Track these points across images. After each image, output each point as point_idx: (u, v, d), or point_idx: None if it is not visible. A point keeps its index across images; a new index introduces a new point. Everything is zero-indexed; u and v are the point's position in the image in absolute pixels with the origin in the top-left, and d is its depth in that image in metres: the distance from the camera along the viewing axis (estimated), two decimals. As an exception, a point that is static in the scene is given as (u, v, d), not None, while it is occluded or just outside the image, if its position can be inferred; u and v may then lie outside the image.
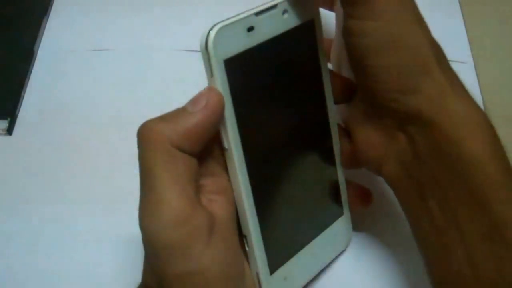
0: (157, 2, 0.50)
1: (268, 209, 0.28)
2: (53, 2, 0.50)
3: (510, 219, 0.25)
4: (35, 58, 0.46)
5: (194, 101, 0.25)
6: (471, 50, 0.46)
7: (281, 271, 0.30)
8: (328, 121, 0.31)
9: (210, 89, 0.25)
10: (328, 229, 0.32)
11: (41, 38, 0.48)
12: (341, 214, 0.33)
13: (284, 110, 0.29)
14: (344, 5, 0.27)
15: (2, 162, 0.41)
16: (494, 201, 0.25)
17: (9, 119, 0.43)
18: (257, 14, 0.26)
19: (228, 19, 0.25)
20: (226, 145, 0.26)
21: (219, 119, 0.25)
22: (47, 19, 0.49)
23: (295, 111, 0.29)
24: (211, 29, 0.24)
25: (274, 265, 0.29)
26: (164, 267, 0.24)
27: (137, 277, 0.28)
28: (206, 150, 0.26)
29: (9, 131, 0.42)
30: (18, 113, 0.43)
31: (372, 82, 0.27)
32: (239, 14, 0.25)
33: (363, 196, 0.34)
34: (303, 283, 0.32)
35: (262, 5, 0.26)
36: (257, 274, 0.28)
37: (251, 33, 0.26)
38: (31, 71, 0.46)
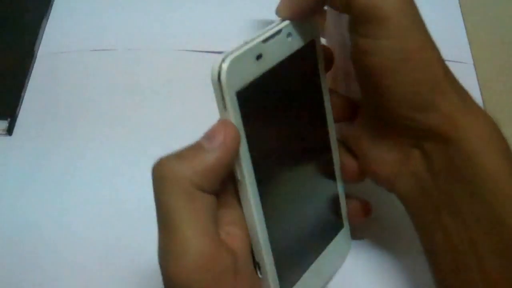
0: (157, 2, 0.50)
1: (280, 235, 0.28)
2: (53, 2, 0.50)
3: None
4: (35, 58, 0.46)
5: (210, 136, 0.24)
6: (471, 50, 0.46)
7: None
8: (329, 139, 0.31)
9: (225, 124, 0.24)
10: (331, 243, 0.32)
11: (41, 38, 0.48)
12: (341, 226, 0.33)
13: (291, 134, 0.28)
14: (356, 25, 0.26)
15: (2, 162, 0.41)
16: (509, 217, 0.25)
17: (9, 119, 0.43)
18: (264, 41, 0.25)
19: (237, 49, 0.24)
20: (239, 177, 0.25)
21: (236, 154, 0.24)
22: (47, 19, 0.49)
23: (301, 133, 0.29)
24: (223, 61, 0.23)
25: (285, 286, 0.29)
26: None
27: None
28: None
29: (9, 131, 0.42)
30: (18, 113, 0.43)
31: (386, 101, 0.27)
32: (246, 42, 0.25)
33: (363, 209, 0.34)
34: None
35: (267, 30, 0.26)
36: None
37: (259, 61, 0.25)
38: (31, 71, 0.46)
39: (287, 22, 0.27)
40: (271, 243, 0.27)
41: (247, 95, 0.24)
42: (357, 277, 0.35)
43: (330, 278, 0.34)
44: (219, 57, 0.23)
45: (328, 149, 0.31)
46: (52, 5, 0.50)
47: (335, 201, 0.33)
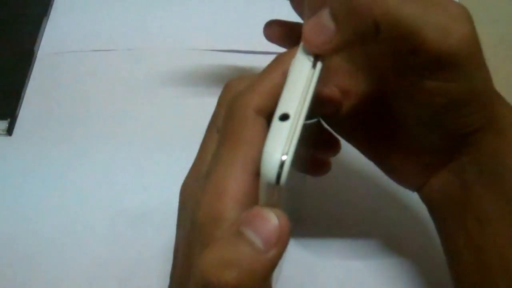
0: (158, 2, 0.50)
1: None
2: (53, 2, 0.50)
3: None
4: (35, 58, 0.46)
5: (265, 236, 0.20)
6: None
7: None
8: None
9: (281, 219, 0.20)
10: None
11: (41, 38, 0.48)
12: None
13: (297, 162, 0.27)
14: (423, 69, 0.24)
15: (2, 162, 0.41)
16: None
17: (9, 119, 0.43)
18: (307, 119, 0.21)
19: (288, 138, 0.20)
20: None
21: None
22: (47, 19, 0.49)
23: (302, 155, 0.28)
24: (284, 157, 0.20)
25: None
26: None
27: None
28: None
29: (9, 131, 0.42)
30: (18, 113, 0.43)
31: (435, 127, 0.26)
32: (291, 123, 0.20)
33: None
34: None
35: (304, 95, 0.21)
36: None
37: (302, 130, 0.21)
38: (31, 71, 0.46)
39: (320, 65, 0.22)
40: None
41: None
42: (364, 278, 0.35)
43: None
44: (275, 149, 0.20)
45: None
46: (52, 5, 0.50)
47: None
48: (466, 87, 0.24)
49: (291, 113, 0.20)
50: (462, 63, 0.23)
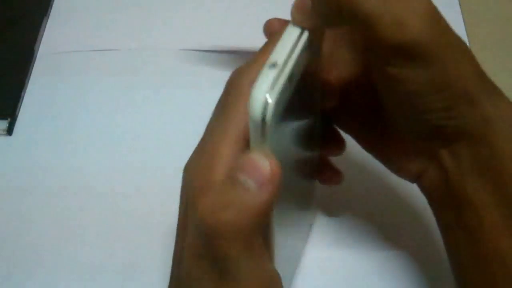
0: (158, 2, 0.50)
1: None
2: (53, 2, 0.50)
3: None
4: (35, 58, 0.46)
5: (251, 174, 0.21)
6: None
7: None
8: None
9: (271, 167, 0.21)
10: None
11: (41, 38, 0.48)
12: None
13: (300, 146, 0.28)
14: (387, 57, 0.25)
15: (2, 162, 0.41)
16: None
17: (9, 119, 0.43)
18: (297, 61, 0.23)
19: (276, 77, 0.21)
20: None
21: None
22: (47, 19, 0.49)
23: (306, 145, 0.30)
24: (268, 95, 0.21)
25: None
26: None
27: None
28: None
29: (9, 131, 0.42)
30: (18, 113, 0.43)
31: (416, 114, 0.26)
32: (274, 65, 0.22)
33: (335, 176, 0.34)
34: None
35: (294, 44, 0.23)
36: None
37: (291, 83, 0.22)
38: (31, 71, 0.46)
39: (306, 34, 0.24)
40: None
41: (279, 123, 0.22)
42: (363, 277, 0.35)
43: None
44: (261, 89, 0.21)
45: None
46: (52, 5, 0.50)
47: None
48: (435, 74, 0.25)
49: (279, 62, 0.22)
50: (422, 53, 0.24)
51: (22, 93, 0.44)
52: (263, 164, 0.21)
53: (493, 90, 0.27)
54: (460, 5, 0.49)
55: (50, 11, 0.49)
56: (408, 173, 0.30)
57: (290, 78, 0.22)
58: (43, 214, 0.38)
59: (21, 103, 0.44)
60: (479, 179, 0.26)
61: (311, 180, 0.34)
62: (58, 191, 0.39)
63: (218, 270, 0.22)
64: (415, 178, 0.30)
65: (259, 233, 0.22)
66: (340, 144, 0.33)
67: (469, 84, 0.26)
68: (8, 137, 0.42)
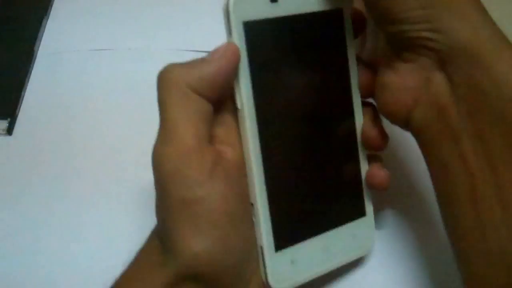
0: (158, 2, 0.50)
1: (279, 180, 0.28)
2: (53, 2, 0.50)
3: None
4: (35, 58, 0.46)
5: (212, 52, 0.27)
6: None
7: (287, 252, 0.29)
8: (353, 108, 0.31)
9: (228, 43, 0.27)
10: (345, 225, 0.32)
11: (41, 38, 0.48)
12: (362, 214, 0.32)
13: (303, 83, 0.29)
14: None
15: (2, 162, 0.41)
16: None
17: (9, 119, 0.43)
18: None
19: None
20: (239, 105, 0.27)
21: (234, 69, 0.27)
22: (47, 19, 0.49)
23: (316, 87, 0.30)
24: None
25: (280, 243, 0.29)
26: (166, 194, 0.25)
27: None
28: (225, 104, 0.28)
29: (9, 131, 0.42)
30: (18, 113, 0.43)
31: (404, 26, 0.27)
32: None
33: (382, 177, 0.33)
34: (312, 275, 0.31)
35: None
36: (261, 248, 0.28)
37: (274, 4, 0.28)
38: (31, 71, 0.46)
39: None
40: (267, 185, 0.28)
41: (255, 28, 0.27)
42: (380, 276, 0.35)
43: (339, 264, 0.32)
44: None
45: (349, 115, 0.31)
46: (52, 5, 0.50)
47: (355, 178, 0.32)
48: None
49: None
50: None
51: (22, 93, 0.44)
52: (222, 45, 0.27)
53: (480, 6, 0.27)
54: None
55: (50, 11, 0.49)
56: (401, 106, 0.29)
57: None
58: (43, 214, 0.38)
59: (21, 103, 0.44)
60: (476, 105, 0.26)
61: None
62: (58, 191, 0.39)
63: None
64: (408, 114, 0.29)
65: (205, 98, 0.26)
66: (382, 139, 0.32)
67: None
68: (8, 137, 0.42)
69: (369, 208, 0.33)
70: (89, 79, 0.45)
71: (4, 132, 0.42)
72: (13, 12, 0.49)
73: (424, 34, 0.27)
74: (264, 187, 0.28)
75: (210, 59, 0.27)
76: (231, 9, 0.27)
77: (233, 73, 0.27)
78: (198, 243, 0.25)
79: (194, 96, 0.26)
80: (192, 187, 0.25)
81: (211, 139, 0.27)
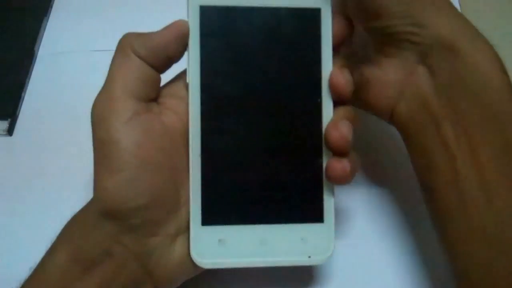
0: (158, 2, 0.50)
1: (216, 158, 0.29)
2: (53, 2, 0.50)
3: None
4: (35, 58, 0.46)
5: (166, 26, 0.30)
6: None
7: (216, 230, 0.29)
8: (320, 105, 0.30)
9: (178, 20, 0.30)
10: (291, 225, 0.30)
11: (41, 38, 0.48)
12: (318, 219, 0.30)
13: (256, 71, 0.30)
14: None
15: (2, 162, 0.41)
16: (509, 123, 0.27)
17: (9, 119, 0.43)
18: None
19: None
20: (187, 79, 0.29)
21: (176, 42, 0.29)
22: (47, 19, 0.49)
23: (273, 77, 0.30)
24: None
25: (208, 218, 0.29)
26: (92, 134, 0.29)
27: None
28: (183, 79, 0.30)
29: (9, 131, 0.42)
30: (18, 113, 0.43)
31: (387, 21, 0.28)
32: None
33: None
34: (242, 262, 0.30)
35: None
36: (190, 219, 0.29)
37: None
38: (31, 71, 0.46)
39: None
40: (203, 159, 0.29)
41: (211, 13, 0.29)
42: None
43: (279, 262, 0.30)
44: None
45: (312, 110, 0.30)
46: (52, 5, 0.50)
47: (313, 176, 0.30)
48: None
49: None
50: None
51: (22, 93, 0.44)
52: (174, 21, 0.29)
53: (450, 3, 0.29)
54: (460, 5, 0.49)
55: (50, 11, 0.49)
56: (384, 99, 0.31)
57: None
58: (43, 215, 0.38)
59: (21, 103, 0.44)
60: (457, 92, 0.28)
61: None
62: (58, 191, 0.39)
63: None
64: (391, 107, 0.30)
65: (146, 61, 0.29)
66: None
67: None
68: (8, 137, 0.42)
69: (328, 214, 0.30)
70: (89, 79, 0.45)
71: (5, 133, 0.42)
72: (13, 12, 0.49)
73: (408, 28, 0.28)
74: (199, 160, 0.29)
75: (160, 30, 0.29)
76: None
77: (176, 46, 0.29)
78: (108, 180, 0.28)
79: (133, 58, 0.29)
80: (109, 130, 0.28)
81: (150, 100, 0.30)
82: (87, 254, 0.28)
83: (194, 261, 0.29)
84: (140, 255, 0.28)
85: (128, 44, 0.29)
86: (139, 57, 0.29)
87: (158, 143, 0.29)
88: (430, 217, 0.30)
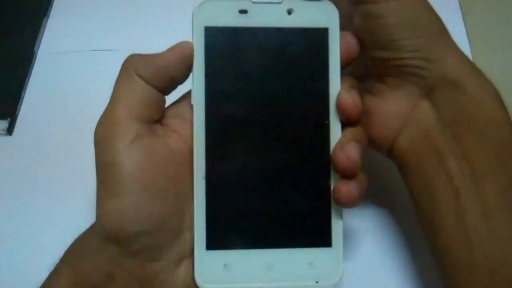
0: (157, 2, 0.50)
1: (221, 182, 0.29)
2: (53, 2, 0.50)
3: None
4: (35, 58, 0.46)
5: (169, 47, 0.29)
6: (471, 50, 0.46)
7: (221, 255, 0.28)
8: (327, 128, 0.29)
9: (183, 41, 0.29)
10: (298, 250, 0.29)
11: (41, 38, 0.48)
12: (326, 244, 0.29)
13: (261, 93, 0.29)
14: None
15: (2, 162, 0.41)
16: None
17: (9, 119, 0.43)
18: (254, 2, 0.29)
19: None
20: (192, 101, 0.29)
21: (180, 64, 0.28)
22: (47, 19, 0.49)
23: (279, 99, 0.29)
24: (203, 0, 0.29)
25: (212, 242, 0.28)
26: (95, 156, 0.29)
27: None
28: (188, 100, 0.29)
29: (9, 131, 0.42)
30: (18, 113, 0.43)
31: (397, 53, 0.28)
32: None
33: None
34: (246, 287, 0.29)
35: None
36: (194, 244, 0.28)
37: (243, 15, 0.28)
38: (31, 71, 0.46)
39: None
40: (207, 183, 0.28)
41: (216, 34, 0.29)
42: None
43: (286, 285, 0.29)
44: None
45: (318, 135, 0.29)
46: (52, 5, 0.50)
47: (320, 200, 0.29)
48: (405, 7, 0.28)
49: None
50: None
51: (22, 93, 0.44)
52: (178, 42, 0.29)
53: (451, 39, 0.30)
54: (460, 5, 0.49)
55: (50, 11, 0.49)
56: (387, 132, 0.30)
57: (241, 10, 0.28)
58: (43, 214, 0.38)
59: (21, 103, 0.44)
60: (462, 127, 0.28)
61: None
62: (59, 191, 0.39)
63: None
64: (393, 139, 0.30)
65: (150, 83, 0.28)
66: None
67: (437, 22, 0.29)
68: (8, 137, 0.42)
69: (336, 238, 0.29)
70: (89, 79, 0.45)
71: (4, 132, 0.42)
72: (13, 12, 0.49)
73: (416, 62, 0.28)
74: (203, 183, 0.28)
75: (164, 52, 0.29)
76: (194, 13, 0.29)
77: (180, 68, 0.29)
78: (109, 204, 0.27)
79: (137, 79, 0.28)
80: (111, 152, 0.27)
81: (154, 122, 0.29)
82: (90, 277, 0.27)
83: (199, 286, 0.28)
84: (143, 280, 0.28)
85: (131, 66, 0.29)
86: (143, 78, 0.28)
87: (161, 166, 0.28)
88: (430, 251, 0.30)
